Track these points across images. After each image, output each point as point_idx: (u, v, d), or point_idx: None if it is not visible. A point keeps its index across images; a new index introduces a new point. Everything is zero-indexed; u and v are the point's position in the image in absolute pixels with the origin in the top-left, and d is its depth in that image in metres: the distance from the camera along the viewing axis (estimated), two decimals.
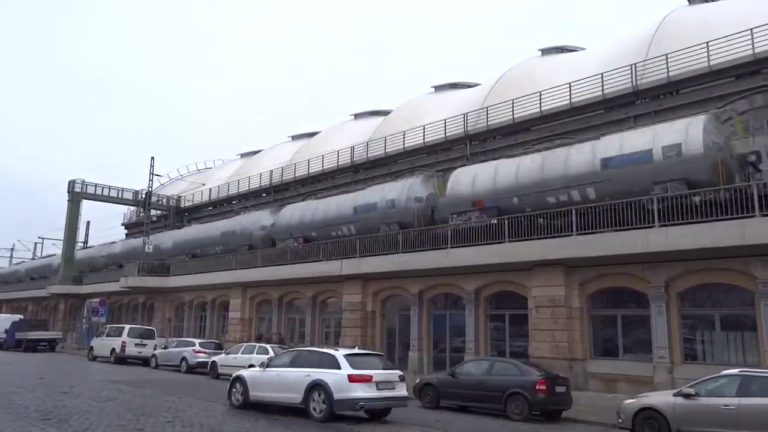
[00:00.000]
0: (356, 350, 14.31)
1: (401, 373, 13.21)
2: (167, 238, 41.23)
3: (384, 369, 12.85)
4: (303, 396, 12.35)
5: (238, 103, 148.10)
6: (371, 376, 12.09)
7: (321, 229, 28.36)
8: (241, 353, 22.25)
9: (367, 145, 32.21)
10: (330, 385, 11.92)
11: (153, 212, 46.23)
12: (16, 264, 70.77)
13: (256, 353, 21.60)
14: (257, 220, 33.58)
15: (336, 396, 11.83)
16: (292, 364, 13.37)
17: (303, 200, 33.49)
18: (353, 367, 12.20)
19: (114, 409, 12.71)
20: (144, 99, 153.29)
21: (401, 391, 12.68)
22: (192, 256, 37.77)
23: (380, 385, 12.21)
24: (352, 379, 11.93)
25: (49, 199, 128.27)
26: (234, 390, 14.00)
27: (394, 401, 12.66)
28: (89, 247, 54.48)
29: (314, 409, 12.15)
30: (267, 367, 13.94)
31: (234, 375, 14.55)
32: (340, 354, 12.66)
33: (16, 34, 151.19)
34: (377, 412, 12.80)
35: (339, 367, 12.25)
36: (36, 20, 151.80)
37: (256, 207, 38.01)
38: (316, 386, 12.16)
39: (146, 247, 39.65)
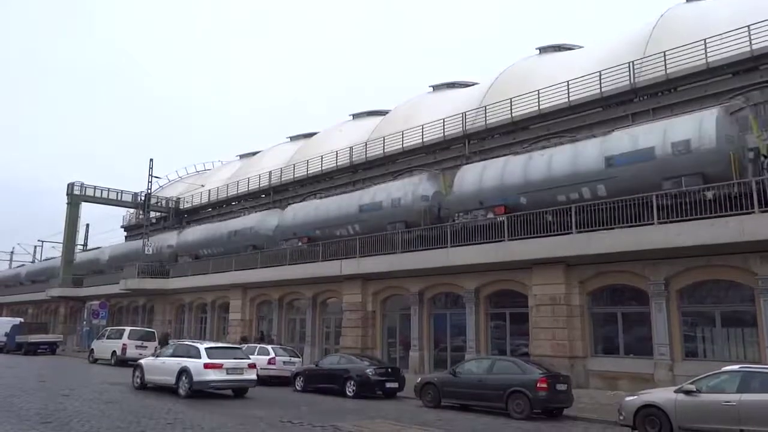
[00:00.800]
0: (218, 344, 18.71)
1: (251, 362, 16.88)
2: (270, 221, 33.85)
3: (236, 359, 16.44)
4: (175, 378, 15.82)
5: (237, 105, 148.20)
6: (222, 364, 15.73)
7: (534, 193, 20.14)
8: None
9: (366, 145, 32.23)
10: (191, 371, 15.47)
11: (152, 214, 46.21)
12: (46, 260, 69.71)
13: (257, 354, 21.59)
14: (413, 188, 25.03)
15: (195, 378, 15.38)
16: (173, 354, 16.92)
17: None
18: (209, 357, 15.75)
19: (115, 411, 12.71)
20: (143, 100, 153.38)
21: (249, 375, 16.34)
22: (309, 241, 29.33)
23: (230, 371, 15.84)
24: (207, 366, 15.52)
25: (48, 202, 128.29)
26: (135, 375, 17.61)
27: (242, 383, 16.39)
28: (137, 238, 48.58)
29: (181, 389, 15.65)
30: (157, 356, 17.72)
31: (136, 363, 18.34)
32: (202, 347, 16.35)
33: (16, 34, 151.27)
34: (237, 390, 16.60)
35: (200, 357, 15.75)
36: (36, 20, 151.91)
37: (256, 208, 38.03)
38: (183, 371, 15.67)
39: (146, 249, 39.61)
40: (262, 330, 30.61)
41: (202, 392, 15.55)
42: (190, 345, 17.05)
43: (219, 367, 15.63)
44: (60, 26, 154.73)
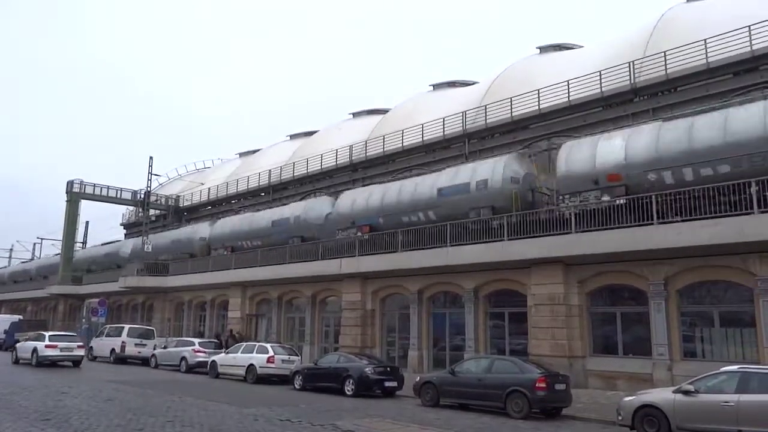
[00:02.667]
0: (59, 333, 26.72)
1: (81, 343, 25.05)
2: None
3: (68, 342, 24.52)
4: (30, 354, 24.32)
5: (237, 103, 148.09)
6: (57, 345, 23.95)
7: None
8: (241, 352, 22.26)
9: (366, 143, 32.23)
10: (38, 350, 23.90)
11: (152, 212, 46.19)
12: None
13: (256, 352, 21.64)
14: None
15: (40, 354, 23.74)
16: (35, 340, 24.92)
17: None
18: (50, 341, 24.14)
19: (114, 408, 12.73)
20: (143, 99, 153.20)
21: (78, 352, 24.52)
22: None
23: (63, 349, 24.06)
24: (47, 346, 23.83)
25: (47, 200, 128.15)
26: (13, 354, 26.06)
27: (71, 357, 24.31)
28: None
29: (32, 361, 23.97)
30: (26, 341, 25.75)
31: (15, 346, 26.70)
32: (47, 335, 24.90)
33: (15, 34, 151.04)
34: (73, 362, 24.45)
35: (44, 341, 24.09)
36: (35, 19, 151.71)
37: (255, 206, 38.06)
38: (34, 350, 24.10)
39: (145, 246, 39.59)
40: (231, 329, 30.78)
41: (46, 363, 23.67)
42: (39, 333, 25.88)
43: (55, 347, 23.93)
44: (59, 25, 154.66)
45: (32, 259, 68.89)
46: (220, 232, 36.07)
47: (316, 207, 30.20)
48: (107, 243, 52.16)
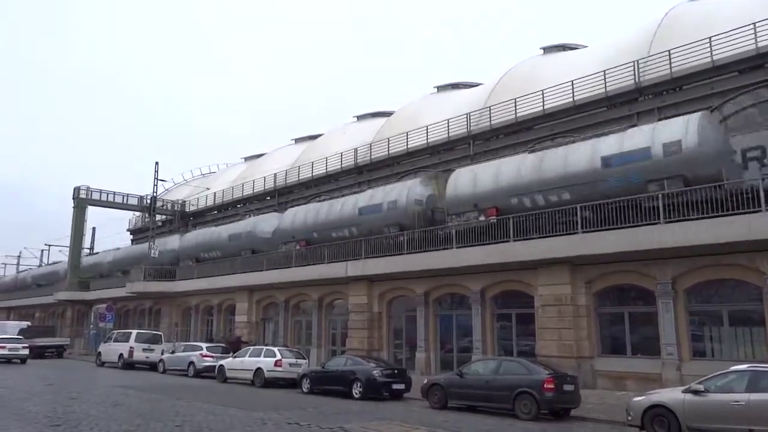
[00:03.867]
0: (7, 337, 31.39)
1: (26, 345, 30.48)
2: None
3: (14, 344, 30.08)
4: None
5: (237, 104, 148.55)
6: (6, 346, 29.54)
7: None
8: (249, 356, 22.29)
9: (370, 146, 32.24)
10: None
11: (158, 217, 46.36)
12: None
13: (264, 356, 21.67)
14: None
15: None
16: None
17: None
18: (1, 343, 29.33)
19: (122, 414, 12.78)
20: (146, 104, 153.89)
21: (23, 351, 30.05)
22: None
23: (10, 349, 29.60)
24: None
25: (50, 205, 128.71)
26: None
27: (17, 355, 29.83)
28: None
29: None
30: None
31: None
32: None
33: (18, 38, 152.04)
34: (20, 359, 29.94)
35: None
36: (38, 23, 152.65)
37: (260, 210, 38.14)
38: None
39: (152, 252, 39.71)
40: (238, 335, 31.22)
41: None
42: None
43: (3, 347, 29.47)
44: (61, 30, 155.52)
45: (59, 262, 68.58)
46: (291, 223, 30.56)
47: (415, 190, 24.86)
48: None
